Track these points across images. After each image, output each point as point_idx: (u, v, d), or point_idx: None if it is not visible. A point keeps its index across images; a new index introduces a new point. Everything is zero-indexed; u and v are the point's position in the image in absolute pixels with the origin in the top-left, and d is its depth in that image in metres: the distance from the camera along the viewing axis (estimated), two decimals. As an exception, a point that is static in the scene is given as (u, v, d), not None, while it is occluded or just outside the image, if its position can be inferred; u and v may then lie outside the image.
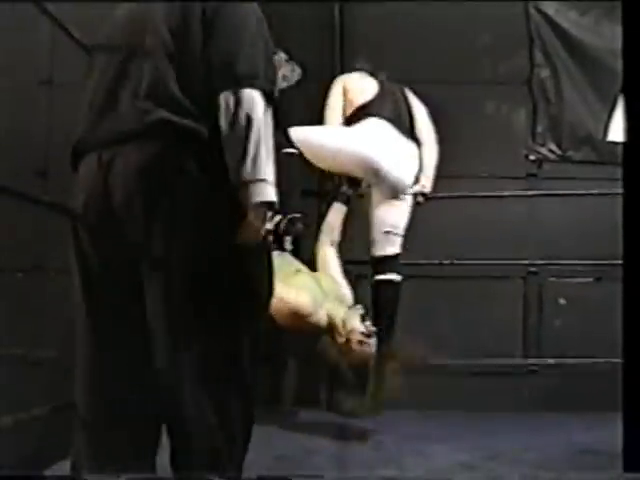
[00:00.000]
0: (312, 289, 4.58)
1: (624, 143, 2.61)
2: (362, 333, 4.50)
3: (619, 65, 5.97)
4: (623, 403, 2.28)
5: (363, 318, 4.57)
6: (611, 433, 4.80)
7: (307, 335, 4.60)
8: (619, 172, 5.96)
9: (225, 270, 2.54)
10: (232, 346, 2.58)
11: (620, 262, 5.70)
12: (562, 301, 6.20)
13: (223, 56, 2.54)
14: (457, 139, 6.04)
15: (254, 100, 2.51)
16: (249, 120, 2.49)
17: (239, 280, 2.58)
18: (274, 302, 2.93)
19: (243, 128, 2.48)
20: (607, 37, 6.10)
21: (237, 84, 2.51)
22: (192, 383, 2.49)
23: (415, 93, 5.40)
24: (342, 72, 6.05)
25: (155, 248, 2.49)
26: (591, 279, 6.18)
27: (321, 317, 4.50)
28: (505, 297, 6.19)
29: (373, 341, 4.55)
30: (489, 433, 5.06)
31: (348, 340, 4.49)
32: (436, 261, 5.76)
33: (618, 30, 5.99)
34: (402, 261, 5.54)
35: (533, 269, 6.13)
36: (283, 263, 4.47)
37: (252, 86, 2.51)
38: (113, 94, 2.59)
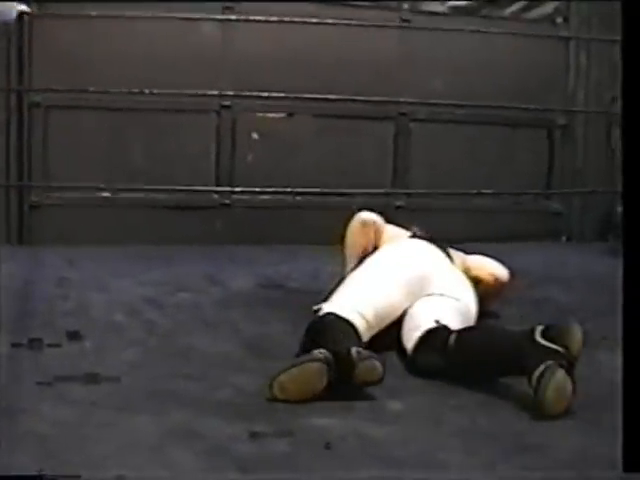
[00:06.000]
0: None
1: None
2: None
3: None
4: (623, 403, 2.31)
5: None
6: (295, 268, 5.08)
7: None
8: (313, 8, 6.09)
9: None
10: None
11: (312, 96, 5.88)
12: (255, 136, 6.25)
13: None
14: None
15: None
16: None
17: None
18: None
19: None
20: None
21: None
22: None
23: None
24: None
25: None
26: (284, 114, 6.27)
27: None
28: (198, 131, 6.15)
29: None
30: (177, 267, 5.09)
31: None
32: (125, 90, 5.64)
33: None
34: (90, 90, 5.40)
35: (227, 103, 6.12)
36: None
37: None
38: None
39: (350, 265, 3.95)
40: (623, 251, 2.44)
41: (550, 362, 2.80)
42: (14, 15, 4.79)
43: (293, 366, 2.92)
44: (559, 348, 2.85)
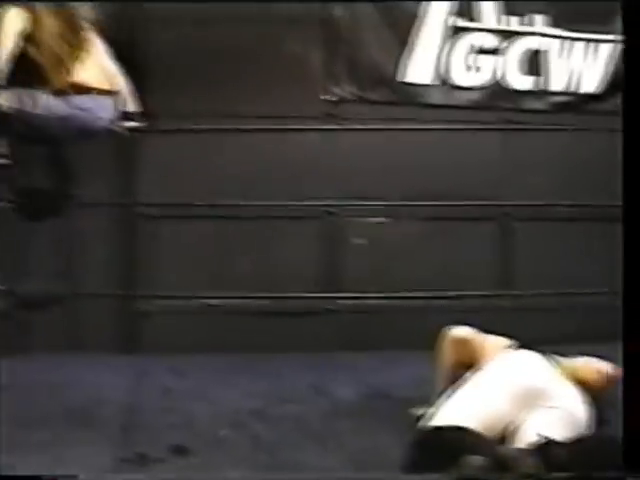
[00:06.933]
0: None
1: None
2: None
3: (415, 6, 6.09)
4: (623, 404, 2.28)
5: None
6: (401, 375, 5.01)
7: None
8: (415, 112, 6.15)
9: None
10: None
11: (415, 203, 5.90)
12: (359, 241, 6.25)
13: None
14: (251, 79, 5.98)
15: None
16: None
17: None
18: None
19: None
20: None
21: None
22: None
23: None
24: (137, 14, 5.91)
25: None
26: (388, 219, 6.27)
27: None
28: (302, 237, 6.19)
29: None
30: (282, 376, 5.09)
31: None
32: (229, 202, 5.71)
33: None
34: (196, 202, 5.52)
35: (330, 209, 6.15)
36: None
37: None
38: None
39: (443, 385, 3.86)
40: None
41: None
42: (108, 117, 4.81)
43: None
44: None
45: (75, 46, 4.33)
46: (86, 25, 4.56)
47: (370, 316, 6.06)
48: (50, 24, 4.25)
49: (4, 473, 2.26)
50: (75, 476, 2.23)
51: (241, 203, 5.71)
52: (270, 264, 6.12)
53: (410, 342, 5.67)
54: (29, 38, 4.16)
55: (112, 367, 5.34)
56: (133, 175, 6.02)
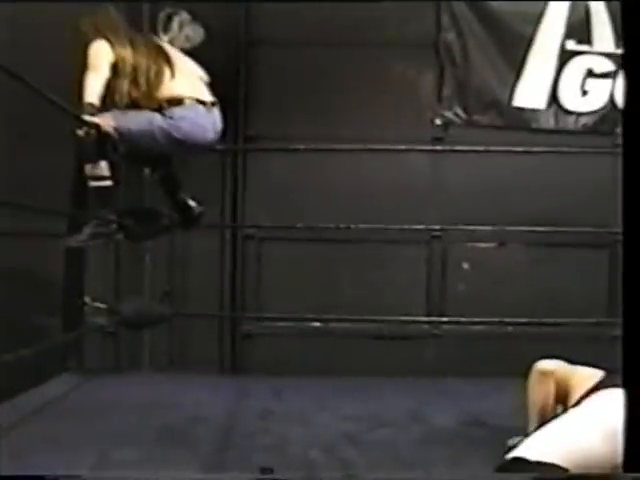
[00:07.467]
0: None
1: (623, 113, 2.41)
2: None
3: (527, 29, 6.00)
4: (625, 404, 2.22)
5: None
6: (502, 403, 4.89)
7: None
8: (525, 136, 6.03)
9: None
10: None
11: (522, 228, 5.75)
12: (465, 265, 6.18)
13: None
14: (361, 102, 6.00)
15: None
16: None
17: None
18: None
19: None
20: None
21: None
22: None
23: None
24: (246, 36, 6.02)
25: None
26: (494, 243, 6.18)
27: None
28: (408, 261, 6.16)
29: None
30: (381, 399, 5.06)
31: None
32: (334, 225, 5.72)
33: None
34: (304, 225, 5.57)
35: (436, 234, 6.10)
36: None
37: None
38: None
39: (532, 420, 3.73)
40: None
41: None
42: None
43: None
44: None
45: (160, 67, 4.38)
46: (169, 47, 4.63)
47: (474, 342, 5.97)
48: (132, 52, 4.33)
49: (5, 473, 2.30)
50: (78, 476, 2.25)
51: (347, 226, 5.71)
52: (375, 288, 6.11)
53: (513, 369, 5.54)
54: (115, 67, 4.26)
55: (214, 387, 5.40)
56: (238, 196, 6.11)
